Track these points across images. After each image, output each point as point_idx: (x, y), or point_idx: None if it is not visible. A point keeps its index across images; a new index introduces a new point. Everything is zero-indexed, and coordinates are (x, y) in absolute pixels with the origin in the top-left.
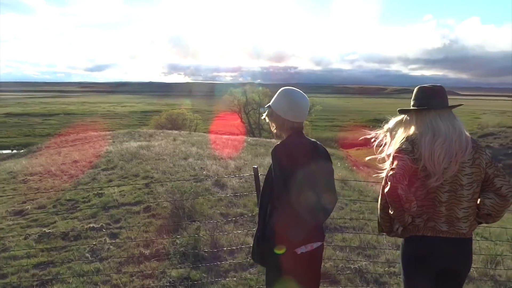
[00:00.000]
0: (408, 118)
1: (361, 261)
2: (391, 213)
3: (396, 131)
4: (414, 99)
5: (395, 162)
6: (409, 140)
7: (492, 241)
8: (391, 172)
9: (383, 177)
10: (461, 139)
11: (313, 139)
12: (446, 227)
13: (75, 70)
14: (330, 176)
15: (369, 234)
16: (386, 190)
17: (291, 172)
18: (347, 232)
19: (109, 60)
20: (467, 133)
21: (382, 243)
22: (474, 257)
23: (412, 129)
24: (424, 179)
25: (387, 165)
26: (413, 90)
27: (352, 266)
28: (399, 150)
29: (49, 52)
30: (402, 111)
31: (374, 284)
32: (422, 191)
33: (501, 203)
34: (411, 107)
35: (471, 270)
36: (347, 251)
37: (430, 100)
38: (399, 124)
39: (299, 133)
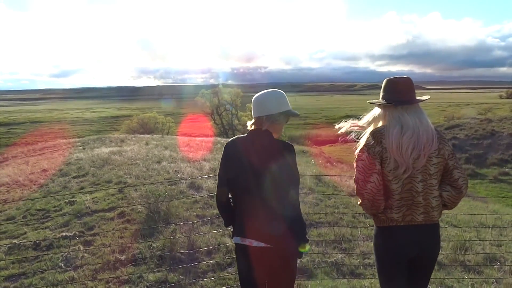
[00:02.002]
0: (377, 113)
1: (336, 254)
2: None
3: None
4: (382, 92)
5: (355, 165)
6: (375, 133)
7: (460, 227)
8: (354, 176)
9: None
10: (428, 132)
11: (273, 139)
12: (422, 217)
13: (39, 77)
14: (261, 177)
15: (344, 227)
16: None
17: (220, 167)
18: (323, 227)
19: (75, 65)
20: (433, 126)
21: (357, 236)
22: (444, 244)
23: (380, 123)
24: (394, 171)
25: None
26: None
27: (328, 260)
28: (361, 149)
29: (11, 59)
30: (372, 103)
31: (350, 276)
32: (398, 184)
33: (456, 195)
34: (380, 100)
35: (441, 257)
36: (323, 245)
37: (397, 95)
38: (370, 119)
39: (251, 131)
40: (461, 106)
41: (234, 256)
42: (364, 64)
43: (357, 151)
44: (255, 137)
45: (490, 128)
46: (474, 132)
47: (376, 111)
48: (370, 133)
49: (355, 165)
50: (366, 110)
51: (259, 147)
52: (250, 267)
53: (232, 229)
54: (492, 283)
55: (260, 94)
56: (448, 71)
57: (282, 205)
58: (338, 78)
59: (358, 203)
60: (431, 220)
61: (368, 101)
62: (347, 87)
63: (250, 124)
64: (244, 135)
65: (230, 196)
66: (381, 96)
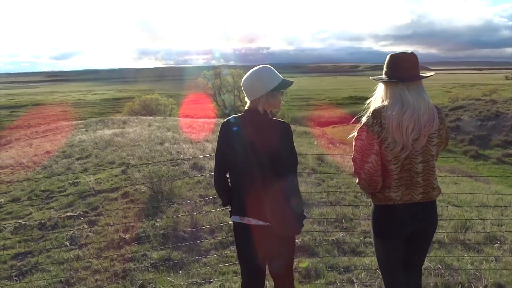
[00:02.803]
0: (380, 90)
1: (338, 233)
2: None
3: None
4: (385, 67)
5: (354, 143)
6: (375, 112)
7: (461, 206)
8: (352, 155)
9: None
10: (429, 111)
11: (267, 119)
12: (421, 196)
13: (39, 59)
14: (259, 155)
15: (346, 207)
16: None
17: (217, 147)
18: (325, 207)
19: (75, 47)
20: (433, 105)
21: (358, 215)
22: (445, 223)
23: (380, 101)
24: (393, 151)
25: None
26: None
27: (329, 238)
28: (360, 128)
29: (11, 41)
30: (374, 79)
31: (351, 254)
32: (396, 164)
33: None
34: (383, 75)
35: (442, 236)
36: (325, 224)
37: (400, 71)
38: (374, 99)
39: (248, 110)
40: (466, 87)
41: None
42: (368, 45)
43: (356, 130)
44: (251, 116)
45: (494, 109)
46: (478, 114)
47: (379, 89)
48: (371, 112)
49: (353, 143)
50: (370, 91)
51: (256, 126)
52: (249, 245)
53: (230, 209)
54: (492, 261)
55: (248, 78)
56: (453, 51)
57: (280, 183)
58: (342, 59)
59: (356, 181)
60: (430, 198)
61: (370, 77)
62: (351, 68)
63: (247, 106)
64: (240, 114)
65: (228, 176)
66: (384, 72)
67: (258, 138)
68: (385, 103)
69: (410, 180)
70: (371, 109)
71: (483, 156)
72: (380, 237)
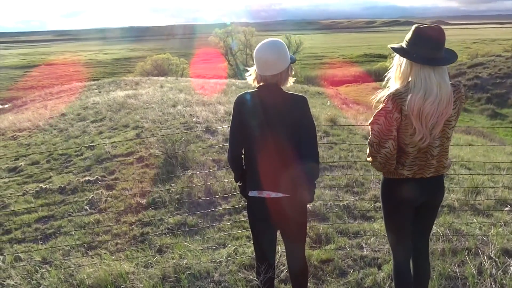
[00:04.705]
0: (398, 65)
1: (349, 198)
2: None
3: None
4: (412, 43)
5: (371, 128)
6: (395, 97)
7: (473, 169)
8: (369, 139)
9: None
10: (449, 96)
11: (286, 93)
12: (432, 174)
13: (49, 18)
14: (276, 129)
15: (357, 171)
16: (367, 152)
17: (232, 122)
18: (336, 171)
19: (84, 5)
20: (451, 84)
21: (369, 180)
22: (456, 188)
23: (401, 80)
24: (412, 137)
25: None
26: (403, 22)
27: (340, 204)
28: (378, 113)
29: (20, 0)
30: (393, 49)
31: (361, 219)
32: (414, 148)
33: None
34: (406, 51)
35: (452, 201)
36: (336, 189)
37: (428, 51)
38: (398, 75)
39: (266, 86)
40: (486, 42)
41: None
42: None
43: (374, 115)
44: (266, 91)
45: None
46: (498, 71)
47: (401, 64)
48: (390, 97)
49: (370, 128)
50: (385, 48)
51: (275, 101)
52: (266, 219)
53: (240, 184)
54: (500, 226)
55: (269, 52)
56: (474, 4)
57: (298, 155)
58: (357, 14)
59: (368, 159)
60: (439, 174)
61: (389, 45)
62: (366, 24)
63: (256, 80)
64: (254, 90)
65: (242, 152)
66: (407, 45)
67: (274, 112)
68: (406, 83)
69: (425, 161)
70: (390, 90)
71: (500, 115)
72: (389, 209)
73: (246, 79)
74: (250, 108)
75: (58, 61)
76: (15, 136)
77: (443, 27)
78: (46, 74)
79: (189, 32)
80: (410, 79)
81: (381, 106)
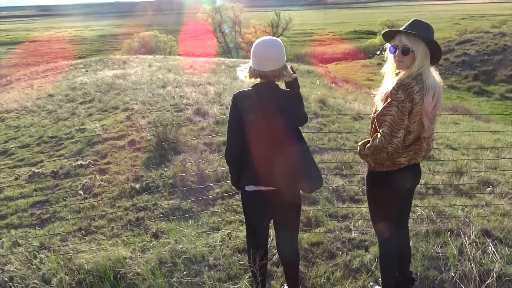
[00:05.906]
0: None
1: (338, 181)
2: (368, 151)
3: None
4: (428, 36)
5: (383, 118)
6: (405, 87)
7: (458, 149)
8: (381, 130)
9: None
10: (442, 88)
11: (282, 90)
12: (421, 159)
13: None
14: (276, 132)
15: (346, 153)
16: (376, 144)
17: (231, 120)
18: (325, 153)
19: None
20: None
21: (358, 162)
22: (440, 169)
23: (406, 72)
24: (417, 125)
25: (379, 107)
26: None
27: (329, 187)
28: (389, 104)
29: None
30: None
31: (350, 201)
32: (415, 134)
33: None
34: (411, 37)
35: (436, 183)
36: (325, 172)
37: (440, 52)
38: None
39: (264, 82)
40: (475, 18)
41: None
42: None
43: (379, 93)
44: (263, 89)
45: (502, 42)
46: (485, 48)
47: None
48: (400, 87)
49: (380, 120)
50: (374, 24)
51: (270, 97)
52: (261, 212)
53: (234, 178)
54: (482, 207)
55: (269, 47)
56: None
57: (295, 149)
58: None
59: (366, 152)
60: (425, 157)
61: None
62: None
63: (253, 76)
64: (250, 88)
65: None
66: (424, 39)
67: (276, 109)
68: (411, 77)
69: (419, 145)
70: (399, 78)
71: (486, 93)
72: (378, 203)
73: (234, 57)
74: (250, 105)
75: (42, 38)
76: (2, 118)
77: (432, 3)
78: (30, 51)
79: (177, 8)
80: (411, 70)
81: (391, 97)
